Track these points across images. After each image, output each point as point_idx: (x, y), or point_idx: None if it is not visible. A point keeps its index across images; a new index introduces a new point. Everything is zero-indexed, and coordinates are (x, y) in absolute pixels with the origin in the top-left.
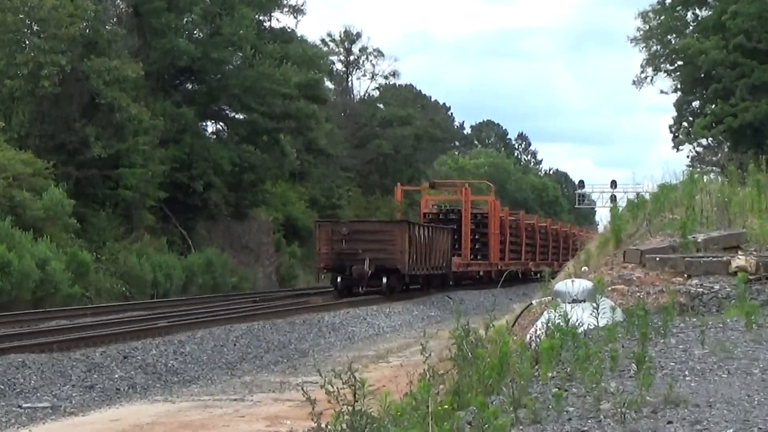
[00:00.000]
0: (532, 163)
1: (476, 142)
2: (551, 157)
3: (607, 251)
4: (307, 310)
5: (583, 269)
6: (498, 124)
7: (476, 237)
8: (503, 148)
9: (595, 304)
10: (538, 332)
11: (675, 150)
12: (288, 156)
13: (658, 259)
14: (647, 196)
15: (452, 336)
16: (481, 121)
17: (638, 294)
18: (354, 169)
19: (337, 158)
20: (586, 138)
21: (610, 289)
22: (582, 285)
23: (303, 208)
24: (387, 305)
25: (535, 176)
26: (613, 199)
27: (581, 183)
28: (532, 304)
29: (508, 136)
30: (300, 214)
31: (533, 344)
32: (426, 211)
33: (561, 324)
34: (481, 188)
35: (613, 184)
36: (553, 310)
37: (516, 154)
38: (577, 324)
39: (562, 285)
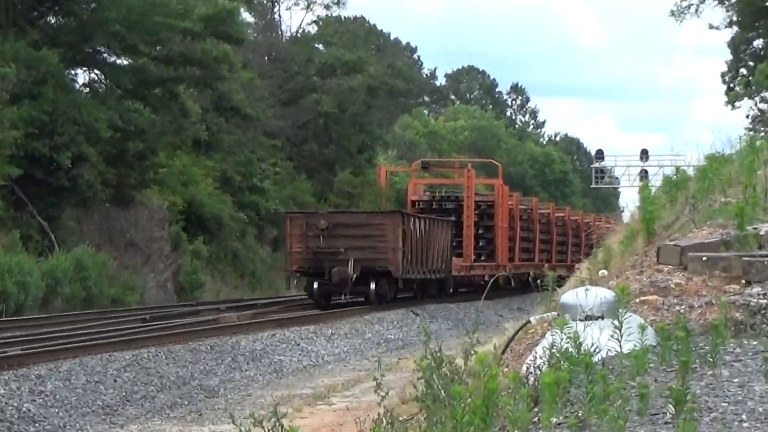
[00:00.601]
0: (532, 127)
1: (453, 97)
2: (558, 118)
3: (635, 248)
4: (216, 332)
5: (600, 273)
6: (483, 73)
7: (480, 232)
8: (491, 106)
9: (617, 322)
10: (539, 361)
11: (729, 107)
12: (190, 117)
13: (705, 258)
14: (690, 172)
15: (419, 367)
16: (460, 68)
17: (677, 308)
18: (283, 135)
19: (259, 120)
20: (605, 91)
21: (638, 300)
22: (599, 296)
23: (211, 190)
24: (329, 324)
25: (536, 144)
26: (644, 175)
27: (599, 154)
28: (530, 322)
29: (497, 89)
30: (206, 197)
31: (531, 378)
32: (415, 199)
33: (570, 350)
34: (487, 168)
35: (644, 154)
36: (558, 331)
37: (509, 113)
38: (592, 350)
39: (571, 296)
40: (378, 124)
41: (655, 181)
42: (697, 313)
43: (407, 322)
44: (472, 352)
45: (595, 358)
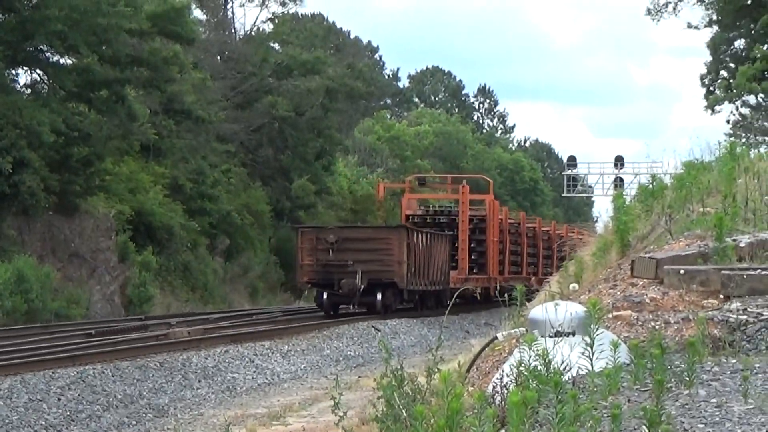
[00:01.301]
0: (500, 131)
1: (417, 100)
2: (528, 122)
3: (608, 261)
4: (166, 347)
5: (571, 287)
6: (449, 74)
7: (472, 246)
8: (457, 109)
9: (588, 339)
10: (506, 380)
11: (709, 112)
12: (138, 120)
13: (682, 272)
14: (667, 180)
15: (379, 386)
16: (425, 68)
17: (653, 323)
18: (236, 139)
19: (212, 124)
20: (578, 94)
21: (611, 316)
22: (570, 311)
23: (161, 198)
24: (285, 339)
25: (505, 150)
26: (619, 184)
27: (572, 160)
28: (496, 338)
29: (464, 92)
30: (156, 206)
31: (498, 397)
32: (409, 213)
33: (539, 368)
34: (479, 184)
35: (619, 162)
36: (527, 348)
37: (476, 117)
38: (562, 368)
39: (540, 311)
40: (337, 129)
41: (631, 190)
42: (673, 330)
43: (368, 338)
44: (436, 369)
45: (565, 377)
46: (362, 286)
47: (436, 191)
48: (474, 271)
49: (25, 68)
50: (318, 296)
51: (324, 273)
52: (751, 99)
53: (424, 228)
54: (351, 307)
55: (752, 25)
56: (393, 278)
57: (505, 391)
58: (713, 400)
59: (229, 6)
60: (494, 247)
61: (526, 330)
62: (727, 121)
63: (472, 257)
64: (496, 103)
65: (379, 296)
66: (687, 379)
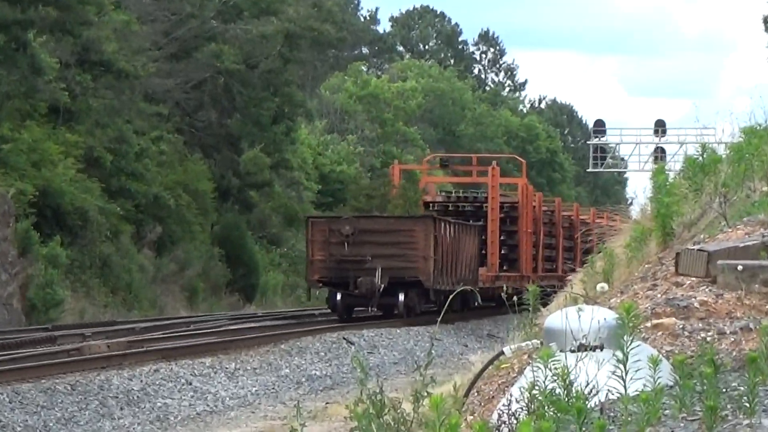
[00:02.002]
0: (508, 89)
1: (401, 49)
2: (543, 77)
3: (646, 254)
4: (79, 366)
5: (599, 288)
6: (442, 16)
7: (502, 238)
8: (452, 61)
9: (621, 354)
10: (514, 407)
11: None
12: (44, 74)
13: (740, 268)
14: (721, 151)
15: (353, 414)
16: (411, 9)
17: (703, 334)
18: (170, 99)
19: (138, 79)
20: (609, 43)
21: (650, 325)
22: (597, 318)
23: (72, 174)
24: (233, 355)
25: (514, 113)
26: (660, 156)
27: (600, 126)
28: (503, 353)
29: (461, 38)
30: (66, 184)
31: (505, 429)
32: (429, 200)
33: (558, 391)
34: (507, 165)
35: (660, 128)
36: (542, 366)
37: (477, 71)
38: (587, 391)
39: (559, 318)
40: (299, 85)
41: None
42: (729, 342)
43: (338, 353)
44: (425, 393)
45: (591, 402)
46: (382, 286)
47: (459, 174)
48: (504, 267)
49: None
50: (331, 297)
51: (338, 270)
52: None
53: (446, 218)
54: (369, 309)
55: None
56: (418, 276)
57: (514, 421)
58: None
59: None
60: (527, 239)
61: (541, 343)
62: None
63: (502, 252)
64: (502, 53)
65: (401, 297)
66: (747, 405)
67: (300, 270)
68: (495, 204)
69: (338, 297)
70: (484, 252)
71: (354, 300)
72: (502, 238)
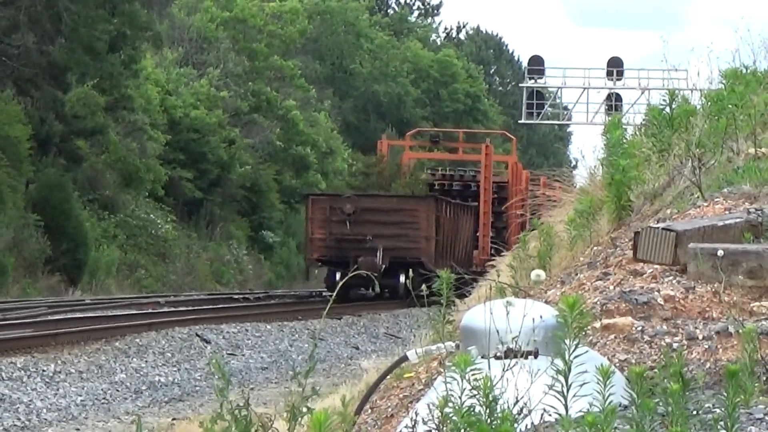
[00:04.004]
0: (417, 13)
1: None
2: None
3: (595, 233)
4: None
5: (534, 275)
6: None
7: (493, 221)
8: None
9: (561, 363)
10: (421, 428)
11: None
12: None
13: (720, 254)
14: (696, 100)
15: None
16: None
17: (668, 339)
18: None
19: None
20: None
21: (600, 325)
22: (531, 315)
23: None
24: (52, 354)
25: (425, 45)
26: (614, 104)
27: (536, 64)
28: (406, 358)
29: None
30: None
31: None
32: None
33: (477, 409)
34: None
35: (615, 67)
36: (457, 375)
37: None
38: (515, 410)
39: (479, 315)
40: (145, 3)
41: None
42: (702, 350)
43: (190, 354)
44: (304, 409)
45: (522, 425)
46: (384, 266)
47: (447, 150)
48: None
49: None
50: (330, 276)
51: (338, 249)
52: None
53: (447, 198)
54: (371, 290)
55: None
56: (420, 257)
57: None
58: None
59: None
60: (515, 221)
61: (457, 346)
62: None
63: (493, 234)
64: None
65: (402, 278)
66: (724, 430)
67: (141, 244)
68: (488, 184)
69: (337, 276)
70: (477, 234)
71: (353, 280)
72: (493, 221)
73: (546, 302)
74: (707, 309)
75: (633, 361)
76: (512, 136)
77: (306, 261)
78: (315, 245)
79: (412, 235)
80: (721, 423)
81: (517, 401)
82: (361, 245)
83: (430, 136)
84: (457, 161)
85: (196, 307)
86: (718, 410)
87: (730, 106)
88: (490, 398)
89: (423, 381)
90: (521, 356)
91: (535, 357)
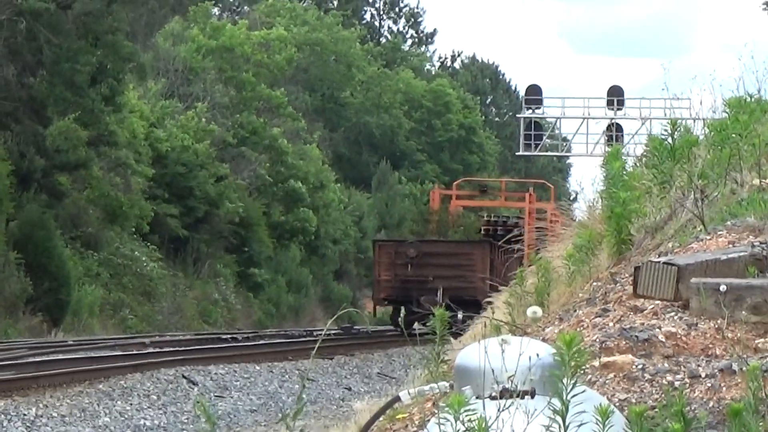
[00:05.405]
0: (411, 42)
1: None
2: (458, 27)
3: (594, 268)
4: None
5: (530, 312)
6: None
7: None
8: (335, 2)
9: (558, 403)
10: None
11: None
12: None
13: (723, 289)
14: (699, 130)
15: None
16: None
17: (670, 378)
18: None
19: None
20: None
21: (599, 364)
22: (527, 354)
23: None
24: (34, 397)
25: (418, 75)
26: (615, 135)
27: (534, 94)
28: (399, 399)
29: None
30: None
31: None
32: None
33: None
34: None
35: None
36: (451, 417)
37: (368, 16)
38: None
39: (474, 353)
40: (129, 33)
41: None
42: (705, 389)
43: (176, 396)
44: None
45: None
46: (443, 304)
47: (487, 198)
48: None
49: None
50: (394, 314)
51: (402, 290)
52: None
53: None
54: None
55: None
56: (476, 296)
57: None
58: None
59: None
60: None
61: (451, 386)
62: None
63: None
64: None
65: (460, 315)
66: None
67: (125, 283)
68: (531, 229)
69: (402, 314)
70: None
71: (415, 317)
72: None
73: (543, 340)
74: (710, 346)
75: (633, 400)
76: (551, 185)
77: (373, 301)
78: (381, 286)
79: (469, 276)
80: None
81: None
82: (423, 286)
83: (478, 185)
84: (496, 207)
85: (182, 348)
86: None
87: (733, 135)
88: None
89: (416, 422)
90: (517, 396)
91: (532, 397)
